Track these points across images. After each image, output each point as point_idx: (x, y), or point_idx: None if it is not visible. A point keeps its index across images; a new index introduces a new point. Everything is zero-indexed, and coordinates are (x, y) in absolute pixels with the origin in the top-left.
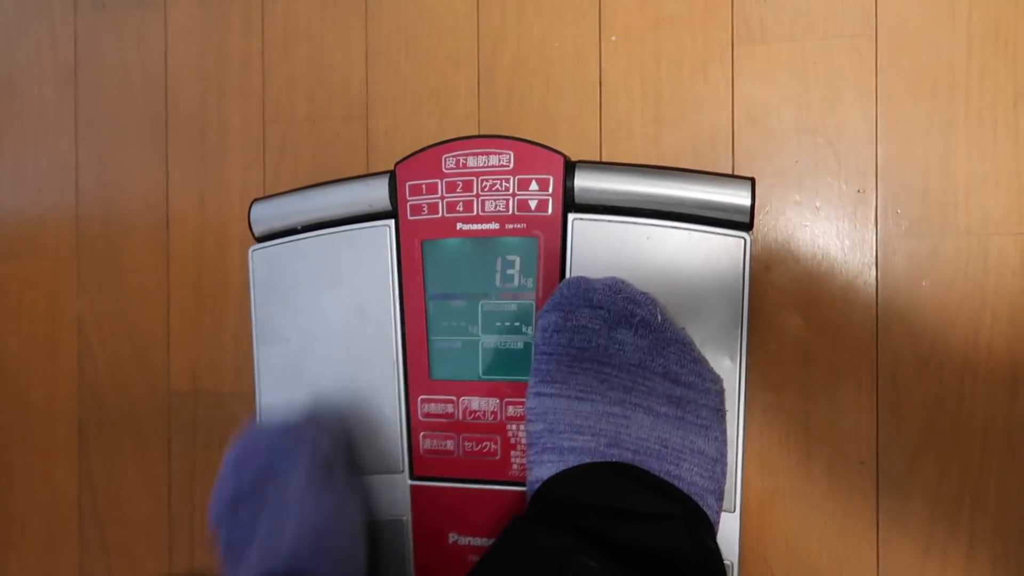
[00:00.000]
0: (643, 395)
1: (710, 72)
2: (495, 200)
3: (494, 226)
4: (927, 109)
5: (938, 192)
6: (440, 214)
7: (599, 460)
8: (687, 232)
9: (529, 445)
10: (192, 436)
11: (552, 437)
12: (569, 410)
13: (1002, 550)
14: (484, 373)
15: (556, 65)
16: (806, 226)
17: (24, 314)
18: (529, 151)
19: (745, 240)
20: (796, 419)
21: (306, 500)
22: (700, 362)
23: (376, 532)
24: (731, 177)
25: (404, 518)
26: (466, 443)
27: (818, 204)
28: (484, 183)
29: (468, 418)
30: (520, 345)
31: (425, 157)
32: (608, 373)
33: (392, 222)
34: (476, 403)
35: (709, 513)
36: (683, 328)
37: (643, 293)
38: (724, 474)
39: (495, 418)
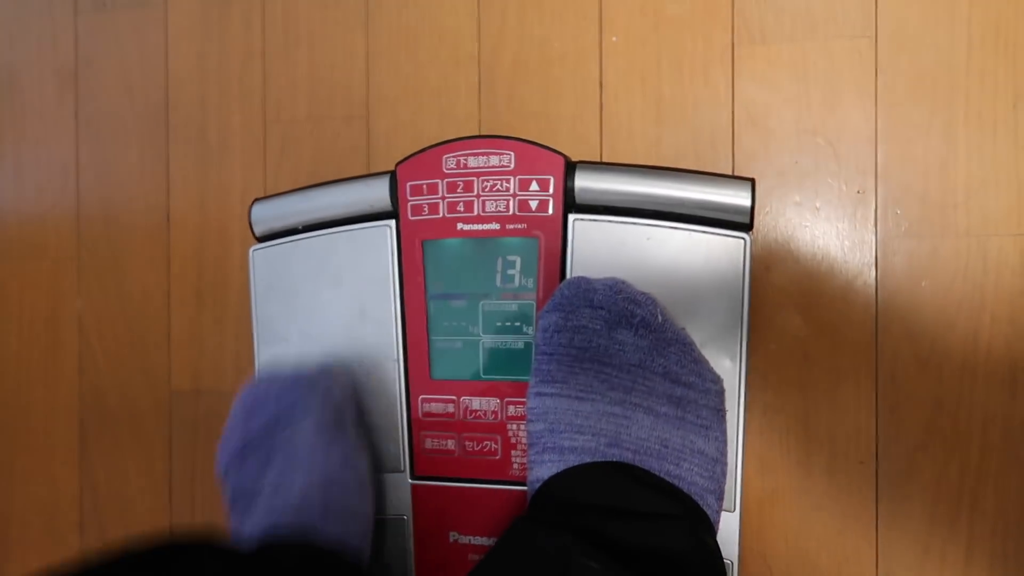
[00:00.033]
0: (643, 395)
1: (710, 73)
2: (496, 200)
3: (495, 226)
4: (927, 110)
5: (938, 193)
6: (441, 214)
7: (599, 460)
8: (687, 232)
9: (530, 445)
10: (193, 436)
11: (553, 437)
12: (569, 410)
13: (1001, 550)
14: (485, 373)
15: (557, 66)
16: (806, 227)
17: (25, 314)
18: (530, 151)
19: (745, 241)
20: (796, 419)
21: (316, 451)
22: (700, 362)
23: (377, 531)
24: (731, 178)
25: (405, 517)
26: (467, 443)
27: (818, 205)
28: (485, 183)
29: (469, 418)
30: (520, 345)
31: (426, 157)
32: (608, 373)
33: (393, 222)
34: (477, 403)
35: (709, 513)
36: (683, 328)
37: (643, 293)
38: (724, 474)
39: (496, 418)
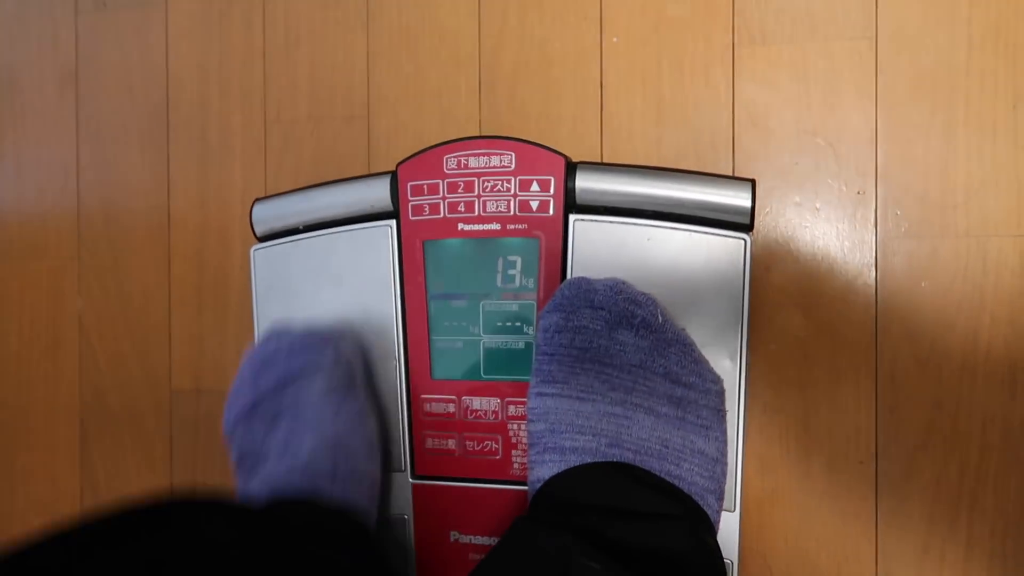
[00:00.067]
0: (644, 395)
1: (711, 74)
2: (496, 201)
3: (495, 226)
4: (927, 111)
5: (937, 194)
6: (441, 214)
7: (600, 460)
8: (688, 233)
9: (530, 445)
10: (194, 435)
11: (553, 437)
12: (570, 410)
13: (1000, 549)
14: (485, 373)
15: (557, 66)
16: (806, 227)
17: (25, 313)
18: (530, 152)
19: (745, 241)
20: (796, 419)
21: (325, 411)
22: (701, 362)
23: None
24: (732, 178)
25: (406, 516)
26: (467, 442)
27: (818, 205)
28: (485, 184)
29: (469, 417)
30: (521, 345)
31: (426, 157)
32: (609, 373)
33: (393, 222)
34: (477, 403)
35: (709, 513)
36: (684, 328)
37: (644, 294)
38: (724, 474)
39: (496, 417)
